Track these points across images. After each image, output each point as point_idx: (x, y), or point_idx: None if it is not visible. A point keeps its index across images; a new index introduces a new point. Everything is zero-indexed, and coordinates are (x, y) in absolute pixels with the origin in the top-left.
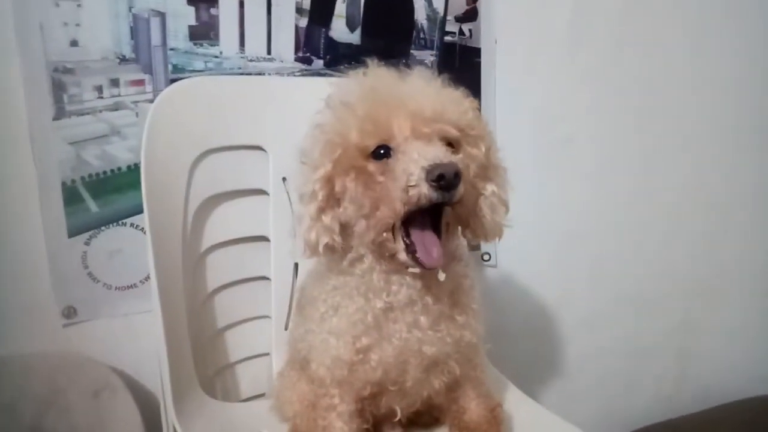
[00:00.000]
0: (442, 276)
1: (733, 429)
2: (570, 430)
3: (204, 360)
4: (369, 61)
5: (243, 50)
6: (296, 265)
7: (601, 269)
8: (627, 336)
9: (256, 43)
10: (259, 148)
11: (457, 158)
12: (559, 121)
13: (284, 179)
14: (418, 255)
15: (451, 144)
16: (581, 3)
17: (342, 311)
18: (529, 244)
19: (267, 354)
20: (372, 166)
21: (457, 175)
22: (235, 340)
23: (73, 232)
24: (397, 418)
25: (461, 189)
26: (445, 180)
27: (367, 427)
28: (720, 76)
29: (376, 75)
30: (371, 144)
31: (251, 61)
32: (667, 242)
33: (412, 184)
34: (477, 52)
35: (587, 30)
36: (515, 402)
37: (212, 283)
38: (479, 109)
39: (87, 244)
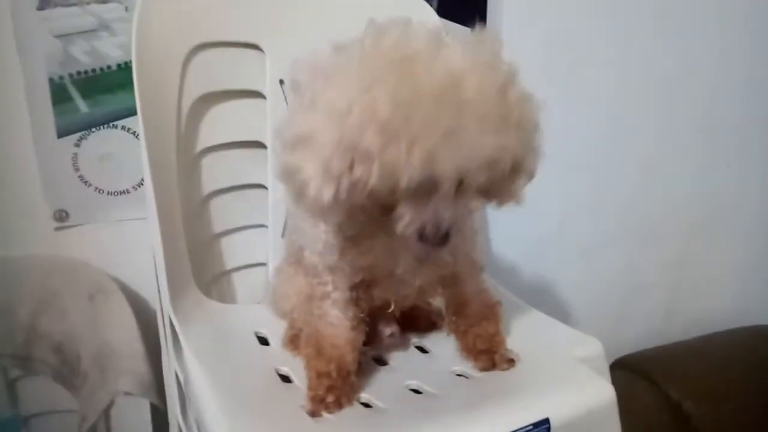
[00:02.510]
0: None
1: (722, 354)
2: (564, 330)
3: (201, 265)
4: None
5: None
6: None
7: (603, 199)
8: (624, 268)
9: None
10: (255, 47)
11: (456, 209)
12: (569, 45)
13: (281, 81)
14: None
15: None
16: None
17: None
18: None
19: (263, 264)
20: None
21: (445, 237)
22: (231, 247)
23: (62, 133)
24: (391, 309)
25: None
26: (437, 244)
27: (362, 316)
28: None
29: (408, 89)
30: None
31: None
32: (670, 178)
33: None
34: None
35: None
36: (511, 306)
37: (207, 188)
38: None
39: (77, 145)
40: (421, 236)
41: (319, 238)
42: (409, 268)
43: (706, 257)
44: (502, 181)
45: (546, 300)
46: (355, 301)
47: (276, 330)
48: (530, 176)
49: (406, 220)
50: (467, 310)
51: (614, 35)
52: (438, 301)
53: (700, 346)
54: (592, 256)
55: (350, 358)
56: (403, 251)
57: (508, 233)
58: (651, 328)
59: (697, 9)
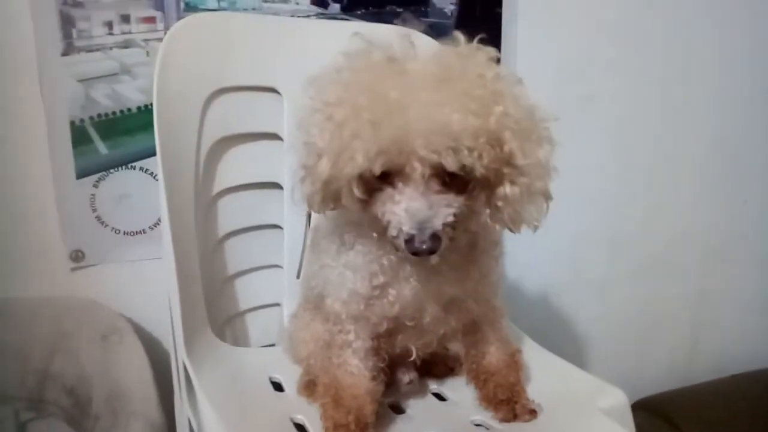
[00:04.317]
0: (434, 259)
1: (745, 399)
2: (586, 379)
3: (215, 307)
4: (361, 40)
5: None
6: (309, 214)
7: (619, 231)
8: (642, 304)
9: None
10: (273, 90)
11: (446, 211)
12: (581, 78)
13: None
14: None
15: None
16: None
17: (358, 248)
18: None
19: (278, 304)
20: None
21: (435, 239)
22: (245, 288)
23: (81, 174)
24: (412, 358)
25: (445, 242)
26: (424, 251)
27: (383, 366)
28: (750, 32)
29: (374, 70)
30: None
31: (266, 1)
32: (686, 207)
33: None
34: (499, 1)
35: None
36: (531, 352)
37: (223, 229)
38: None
39: (95, 186)
40: (407, 241)
41: (345, 286)
42: (436, 315)
43: (725, 290)
44: (494, 177)
45: (564, 339)
46: (376, 350)
47: (291, 375)
48: (536, 178)
49: (386, 216)
50: (487, 358)
51: (625, 65)
52: (455, 346)
53: (726, 388)
54: (609, 292)
55: (369, 409)
56: (431, 300)
57: (524, 270)
58: (673, 366)
59: (708, 37)
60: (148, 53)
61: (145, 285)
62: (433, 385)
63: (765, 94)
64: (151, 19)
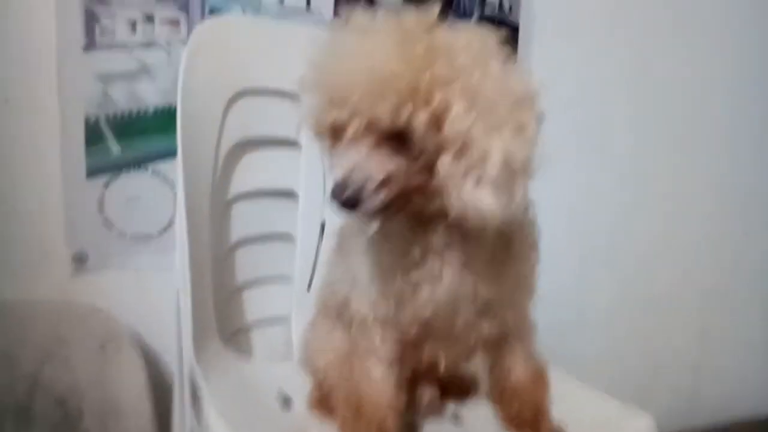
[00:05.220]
0: (371, 225)
1: None
2: (616, 405)
3: (223, 317)
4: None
5: (283, 1)
6: (323, 225)
7: (620, 271)
8: (643, 344)
9: None
10: (294, 96)
11: (375, 167)
12: (591, 111)
13: None
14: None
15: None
16: None
17: (388, 246)
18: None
19: (285, 319)
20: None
21: (355, 197)
22: (253, 299)
23: (91, 173)
24: (441, 370)
25: (370, 202)
26: (342, 200)
27: (407, 377)
28: (761, 79)
29: (339, 36)
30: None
31: (290, 13)
32: (688, 246)
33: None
34: (515, 30)
35: (624, 16)
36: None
37: (236, 236)
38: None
39: (105, 187)
40: (332, 192)
41: (374, 285)
42: (469, 320)
43: (726, 330)
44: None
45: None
46: (401, 360)
47: (301, 390)
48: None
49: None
50: (514, 374)
51: (634, 98)
52: (474, 365)
53: None
54: (611, 331)
55: (391, 423)
56: (465, 302)
57: None
58: (675, 409)
59: (719, 79)
60: (169, 54)
61: (148, 293)
62: (451, 406)
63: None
64: (175, 21)
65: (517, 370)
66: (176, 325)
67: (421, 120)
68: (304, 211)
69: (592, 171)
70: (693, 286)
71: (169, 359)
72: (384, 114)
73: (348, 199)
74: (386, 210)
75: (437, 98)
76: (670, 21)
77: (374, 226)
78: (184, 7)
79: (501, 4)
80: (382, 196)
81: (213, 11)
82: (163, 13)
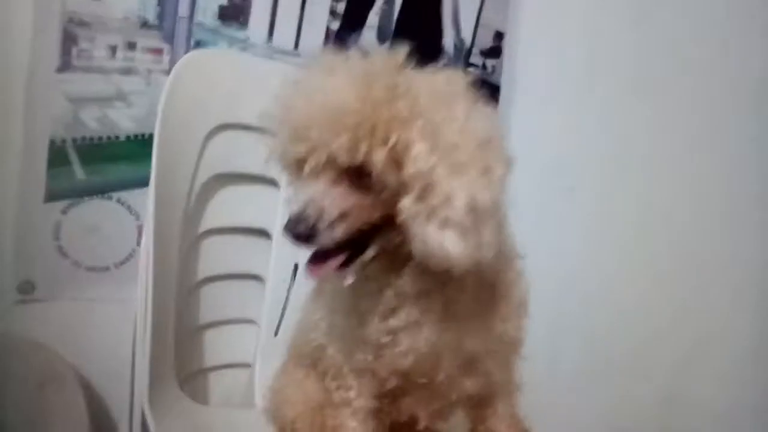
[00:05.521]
0: (348, 280)
1: None
2: None
3: (180, 359)
4: (322, 50)
5: (271, 40)
6: (296, 266)
7: (592, 330)
8: (612, 406)
9: (284, 36)
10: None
11: (332, 202)
12: (565, 170)
13: None
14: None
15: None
16: (596, 51)
17: (368, 290)
18: None
19: (247, 365)
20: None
21: (309, 231)
22: (215, 342)
23: (50, 198)
24: (422, 426)
25: (326, 236)
26: (295, 234)
27: (386, 431)
28: (731, 131)
29: (308, 74)
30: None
31: (277, 52)
32: (654, 307)
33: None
34: (497, 89)
35: (601, 79)
36: None
37: (202, 272)
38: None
39: (64, 213)
40: (287, 225)
41: (352, 332)
42: (452, 374)
43: (694, 394)
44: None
45: None
46: (378, 414)
47: None
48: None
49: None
50: None
51: (606, 160)
52: (450, 423)
53: None
54: (580, 391)
55: None
56: (448, 353)
57: None
58: None
59: (693, 138)
60: (149, 83)
61: (98, 329)
62: None
63: (738, 192)
64: (158, 51)
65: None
66: (129, 364)
67: (379, 158)
68: (277, 252)
69: (565, 228)
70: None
71: (115, 400)
72: (341, 150)
73: (301, 233)
74: (346, 246)
75: (395, 137)
76: (649, 84)
77: (350, 278)
78: (169, 38)
79: (484, 65)
80: (338, 232)
81: (198, 44)
82: (146, 41)
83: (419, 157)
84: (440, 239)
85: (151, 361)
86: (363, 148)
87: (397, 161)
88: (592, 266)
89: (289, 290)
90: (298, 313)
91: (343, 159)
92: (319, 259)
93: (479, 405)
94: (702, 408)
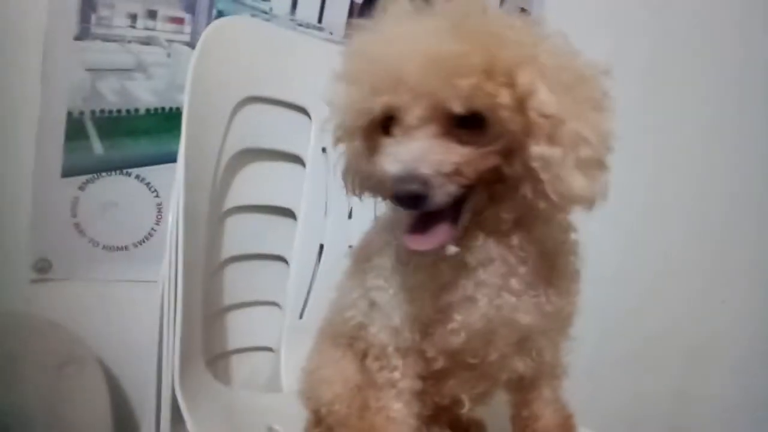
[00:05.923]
0: (451, 250)
1: None
2: None
3: (207, 340)
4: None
5: (294, 13)
6: (321, 247)
7: (604, 325)
8: (625, 400)
9: (308, 9)
10: (303, 110)
11: (441, 156)
12: None
13: (324, 150)
14: (404, 237)
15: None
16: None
17: (418, 262)
18: None
19: (271, 346)
20: (371, 137)
21: (419, 195)
22: (239, 324)
23: (67, 173)
24: (465, 408)
25: (440, 194)
26: (406, 195)
27: (428, 413)
28: (739, 148)
29: (379, 23)
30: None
31: (300, 25)
32: (666, 301)
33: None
34: None
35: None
36: None
37: (227, 251)
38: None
39: (81, 189)
40: (396, 187)
41: (398, 309)
42: (505, 353)
43: (706, 388)
44: (525, 131)
45: None
46: (422, 395)
47: (292, 425)
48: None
49: (385, 170)
50: (542, 421)
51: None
52: (484, 409)
53: None
54: (593, 386)
55: None
56: (503, 330)
57: None
58: None
59: (697, 138)
60: (169, 54)
61: (118, 310)
62: None
63: (739, 201)
64: (179, 20)
65: (546, 418)
66: (149, 346)
67: (504, 103)
68: (302, 232)
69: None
70: (673, 346)
71: (133, 381)
72: (455, 97)
73: (413, 191)
74: (449, 210)
75: (521, 79)
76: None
77: (453, 247)
78: (191, 8)
79: None
80: (452, 189)
81: (220, 14)
82: (166, 10)
83: (546, 99)
84: (580, 178)
85: (183, 341)
86: (483, 93)
87: (519, 105)
88: (603, 260)
89: (314, 271)
90: (332, 292)
91: (457, 107)
92: (420, 228)
93: (525, 388)
94: (714, 401)
